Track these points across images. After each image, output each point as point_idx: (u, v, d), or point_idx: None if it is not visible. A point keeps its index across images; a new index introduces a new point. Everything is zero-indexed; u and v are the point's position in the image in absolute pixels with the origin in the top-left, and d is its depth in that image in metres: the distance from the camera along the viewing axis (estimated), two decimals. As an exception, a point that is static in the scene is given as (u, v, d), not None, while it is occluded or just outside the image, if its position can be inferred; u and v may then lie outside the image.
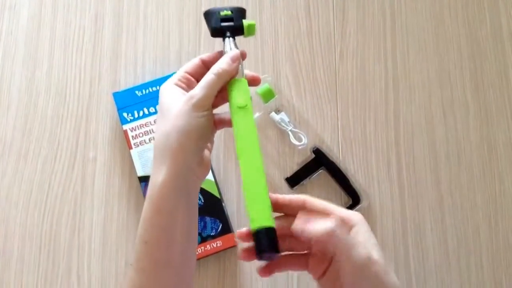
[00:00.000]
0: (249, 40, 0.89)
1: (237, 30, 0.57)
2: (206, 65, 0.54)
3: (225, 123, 0.53)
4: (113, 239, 0.83)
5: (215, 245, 0.79)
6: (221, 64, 0.51)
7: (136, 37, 0.90)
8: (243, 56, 0.54)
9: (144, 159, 0.82)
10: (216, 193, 0.81)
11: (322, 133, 0.86)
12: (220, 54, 0.55)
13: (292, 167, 0.84)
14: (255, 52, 0.89)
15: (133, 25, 0.91)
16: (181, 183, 0.48)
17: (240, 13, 0.57)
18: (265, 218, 0.49)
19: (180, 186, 0.48)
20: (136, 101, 0.83)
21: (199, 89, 0.49)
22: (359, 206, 0.82)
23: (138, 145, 0.82)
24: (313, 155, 0.83)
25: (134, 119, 0.83)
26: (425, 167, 0.85)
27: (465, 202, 0.84)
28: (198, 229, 0.79)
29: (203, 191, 0.81)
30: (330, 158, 0.82)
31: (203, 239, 0.79)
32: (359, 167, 0.85)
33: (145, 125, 0.83)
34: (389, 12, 0.91)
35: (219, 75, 0.50)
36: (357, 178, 0.84)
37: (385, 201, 0.84)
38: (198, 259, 0.79)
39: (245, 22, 0.56)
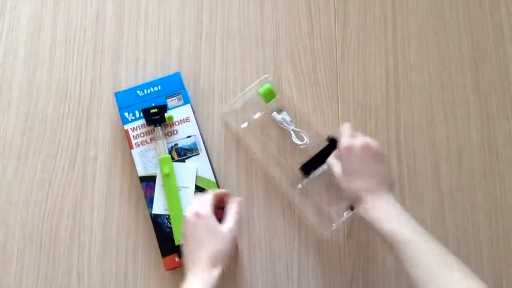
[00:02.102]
0: (250, 40, 0.89)
1: (162, 120, 0.82)
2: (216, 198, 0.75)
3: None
4: (113, 238, 0.82)
5: (216, 245, 0.79)
6: (237, 207, 0.73)
7: (137, 37, 0.90)
8: (240, 203, 0.74)
9: (145, 159, 0.81)
10: (217, 193, 0.81)
11: (323, 133, 0.86)
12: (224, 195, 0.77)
13: (293, 166, 0.84)
14: (256, 52, 0.89)
15: (134, 25, 0.91)
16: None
17: (163, 108, 0.82)
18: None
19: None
20: (138, 101, 0.83)
21: (232, 223, 0.71)
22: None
23: (139, 145, 0.82)
24: (327, 143, 0.80)
25: (136, 119, 0.83)
26: (425, 167, 0.85)
27: (465, 202, 0.84)
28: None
29: (204, 191, 0.81)
30: None
31: (204, 239, 0.79)
32: (360, 167, 0.85)
33: (147, 125, 0.82)
34: (390, 12, 0.91)
35: (239, 215, 0.72)
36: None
37: (385, 201, 0.84)
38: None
39: (166, 115, 0.82)
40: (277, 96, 0.85)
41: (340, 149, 0.72)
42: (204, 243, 0.68)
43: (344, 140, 0.72)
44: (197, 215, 0.69)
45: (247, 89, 0.87)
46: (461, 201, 0.84)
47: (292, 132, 0.84)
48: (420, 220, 0.82)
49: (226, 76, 0.88)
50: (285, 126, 0.84)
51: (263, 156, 0.84)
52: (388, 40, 0.90)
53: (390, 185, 0.71)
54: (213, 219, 0.69)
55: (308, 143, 0.83)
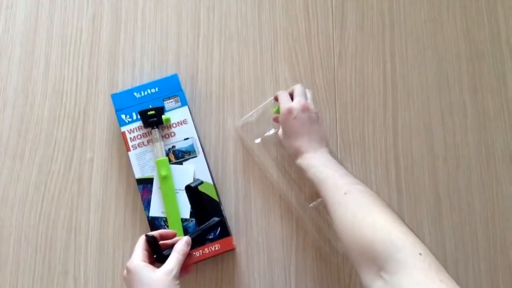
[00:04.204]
0: (248, 42, 0.89)
1: (159, 122, 0.81)
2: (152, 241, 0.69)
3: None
4: (110, 241, 0.82)
5: (213, 249, 0.78)
6: (183, 247, 0.67)
7: (134, 38, 0.90)
8: (188, 242, 0.69)
9: (142, 161, 0.81)
10: (214, 196, 0.80)
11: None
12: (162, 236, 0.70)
13: (305, 184, 0.83)
14: (254, 54, 0.89)
15: (131, 26, 0.90)
16: None
17: (160, 110, 0.82)
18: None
19: None
20: (135, 102, 0.83)
21: (173, 265, 0.64)
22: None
23: (136, 147, 0.82)
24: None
25: (132, 121, 0.82)
26: (423, 170, 0.85)
27: (463, 205, 0.84)
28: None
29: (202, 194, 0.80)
30: None
31: (201, 243, 0.78)
32: (357, 170, 0.85)
33: (144, 127, 0.82)
34: (388, 15, 0.91)
35: (184, 255, 0.67)
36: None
37: (383, 204, 0.84)
38: (196, 262, 0.78)
39: (163, 117, 0.82)
40: None
41: (282, 112, 0.77)
42: None
43: (285, 104, 0.77)
44: (127, 271, 0.65)
45: (262, 104, 0.86)
46: (458, 203, 0.84)
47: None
48: (418, 222, 0.83)
49: (224, 78, 0.88)
50: None
51: (275, 172, 0.84)
52: (386, 42, 0.90)
53: (327, 142, 0.78)
54: (145, 268, 0.64)
55: None
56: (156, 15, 0.90)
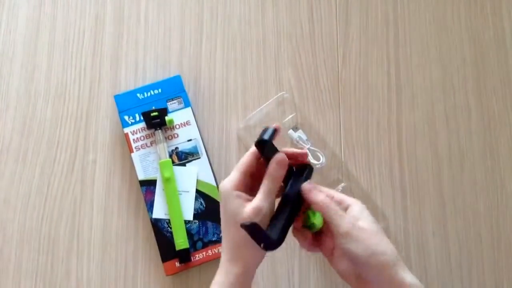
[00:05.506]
0: (251, 43, 0.89)
1: (162, 124, 0.81)
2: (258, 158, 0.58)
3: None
4: (112, 243, 0.82)
5: (216, 251, 0.78)
6: (273, 171, 0.55)
7: (137, 38, 0.89)
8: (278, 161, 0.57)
9: (145, 163, 0.81)
10: (217, 198, 0.80)
11: (325, 137, 0.85)
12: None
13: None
14: (257, 55, 0.89)
15: (134, 27, 0.90)
16: (249, 279, 0.57)
17: (163, 112, 0.82)
18: (183, 242, 0.78)
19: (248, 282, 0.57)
20: (138, 104, 0.82)
21: (263, 201, 0.53)
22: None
23: (139, 149, 0.81)
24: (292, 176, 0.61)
25: (135, 122, 0.82)
26: (427, 173, 0.85)
27: (467, 208, 0.84)
28: (200, 235, 0.78)
29: (204, 196, 0.80)
30: None
31: (204, 244, 0.78)
32: (361, 172, 0.85)
33: (147, 128, 0.82)
34: (392, 16, 0.91)
35: (274, 183, 0.54)
36: (359, 183, 0.83)
37: (387, 206, 0.83)
38: (199, 264, 0.78)
39: (167, 118, 0.81)
40: (294, 114, 0.84)
41: (362, 208, 0.57)
42: (224, 229, 0.55)
43: (354, 200, 0.58)
44: (220, 190, 0.55)
45: (263, 105, 0.85)
46: (462, 207, 0.84)
47: (308, 151, 0.81)
48: (422, 224, 0.83)
49: (227, 79, 0.88)
50: (301, 144, 0.82)
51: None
52: (390, 44, 0.90)
53: None
54: (233, 198, 0.53)
55: (324, 162, 0.82)
56: (159, 15, 0.90)
